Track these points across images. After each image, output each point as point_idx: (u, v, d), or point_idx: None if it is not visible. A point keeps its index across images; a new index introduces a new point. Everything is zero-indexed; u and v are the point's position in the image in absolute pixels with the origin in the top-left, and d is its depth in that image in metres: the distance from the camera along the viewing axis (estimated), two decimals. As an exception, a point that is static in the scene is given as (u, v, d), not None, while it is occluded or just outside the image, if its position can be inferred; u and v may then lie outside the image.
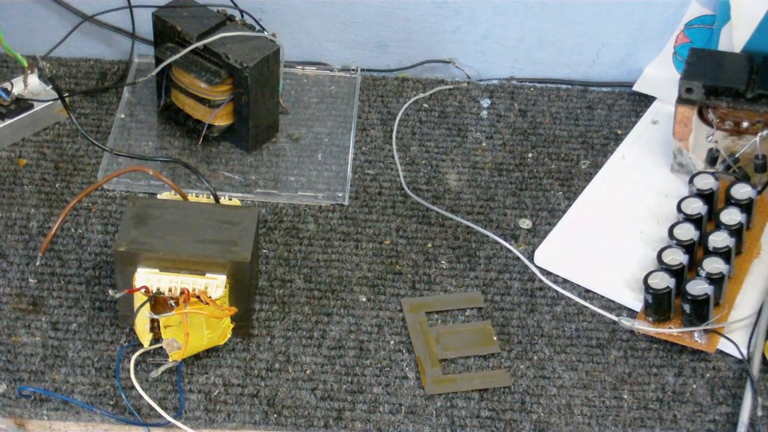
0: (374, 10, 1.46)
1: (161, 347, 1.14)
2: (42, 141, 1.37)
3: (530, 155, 1.39)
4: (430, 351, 1.19)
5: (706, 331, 1.19)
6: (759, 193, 1.28)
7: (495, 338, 1.21)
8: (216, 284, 1.13)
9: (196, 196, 1.23)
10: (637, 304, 1.23)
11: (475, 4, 1.45)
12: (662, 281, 1.19)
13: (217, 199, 1.22)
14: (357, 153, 1.38)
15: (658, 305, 1.20)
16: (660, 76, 1.46)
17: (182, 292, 1.12)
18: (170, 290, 1.12)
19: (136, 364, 1.14)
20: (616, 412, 1.16)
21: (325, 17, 1.46)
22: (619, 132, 1.42)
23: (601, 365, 1.19)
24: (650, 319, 1.21)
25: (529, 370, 1.19)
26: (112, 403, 1.13)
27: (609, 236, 1.29)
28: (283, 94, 1.41)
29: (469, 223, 1.30)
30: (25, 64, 1.36)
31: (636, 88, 1.46)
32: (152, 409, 1.11)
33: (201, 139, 1.36)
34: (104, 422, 1.12)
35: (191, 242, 1.13)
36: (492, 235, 1.29)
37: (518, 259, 1.28)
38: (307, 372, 1.18)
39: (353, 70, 1.47)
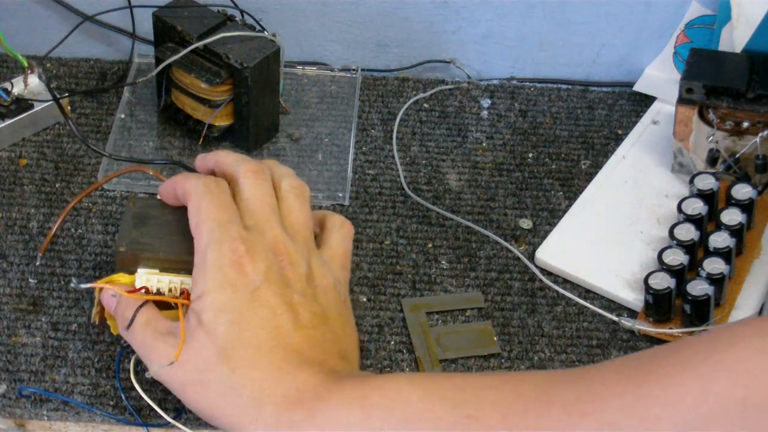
0: (374, 10, 1.46)
1: (161, 348, 1.14)
2: (42, 141, 1.37)
3: (531, 155, 1.39)
4: (430, 351, 1.19)
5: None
6: (759, 193, 1.28)
7: (495, 339, 1.21)
8: (216, 285, 1.13)
9: (197, 197, 1.22)
10: (637, 305, 1.23)
11: (476, 4, 1.45)
12: (663, 281, 1.19)
13: (217, 199, 1.21)
14: (357, 153, 1.38)
15: (659, 305, 1.20)
16: (660, 76, 1.46)
17: (182, 293, 1.11)
18: (170, 291, 1.12)
19: (137, 365, 1.14)
20: (616, 412, 1.16)
21: (325, 17, 1.46)
22: (620, 132, 1.42)
23: (601, 365, 1.19)
24: (651, 319, 1.21)
25: (529, 370, 1.18)
26: (112, 403, 1.12)
27: (609, 236, 1.29)
28: (284, 94, 1.41)
29: (470, 224, 1.30)
30: (25, 64, 1.36)
31: (636, 88, 1.46)
32: (152, 409, 1.11)
33: (201, 140, 1.36)
34: (104, 423, 1.12)
35: (192, 243, 1.13)
36: (492, 235, 1.29)
37: (519, 259, 1.28)
38: (308, 372, 1.17)
39: (353, 70, 1.47)
